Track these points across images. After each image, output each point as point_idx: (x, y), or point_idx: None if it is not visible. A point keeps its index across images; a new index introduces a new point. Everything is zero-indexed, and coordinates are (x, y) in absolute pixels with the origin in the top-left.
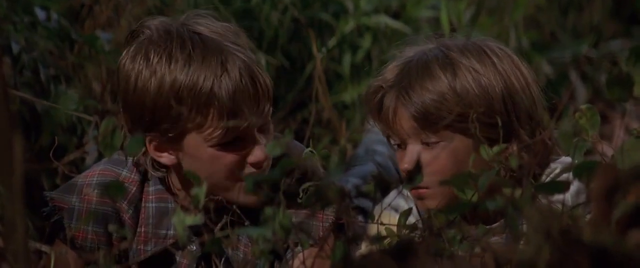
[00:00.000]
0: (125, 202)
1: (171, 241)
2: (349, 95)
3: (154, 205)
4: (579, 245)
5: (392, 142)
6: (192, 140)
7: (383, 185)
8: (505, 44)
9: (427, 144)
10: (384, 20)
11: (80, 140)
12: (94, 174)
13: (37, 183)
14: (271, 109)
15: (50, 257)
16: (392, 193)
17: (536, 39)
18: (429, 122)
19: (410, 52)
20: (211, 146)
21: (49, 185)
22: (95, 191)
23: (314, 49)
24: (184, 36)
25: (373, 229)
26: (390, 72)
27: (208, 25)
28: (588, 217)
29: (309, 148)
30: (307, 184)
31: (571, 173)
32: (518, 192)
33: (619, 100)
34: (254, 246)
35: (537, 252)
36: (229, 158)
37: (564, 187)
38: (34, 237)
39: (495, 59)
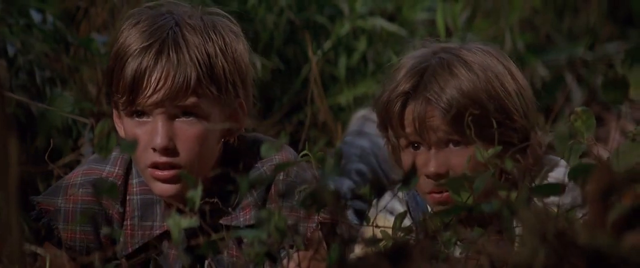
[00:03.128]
0: (112, 198)
1: (158, 232)
2: (345, 97)
3: (138, 197)
4: (575, 248)
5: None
6: (120, 109)
7: (378, 187)
8: (501, 47)
9: (456, 145)
10: (380, 22)
11: (76, 142)
12: (78, 174)
13: (33, 185)
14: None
15: (45, 259)
16: (387, 196)
17: (532, 42)
18: (461, 121)
19: (413, 59)
20: (126, 117)
21: (44, 188)
22: (81, 191)
23: (310, 52)
24: (162, 14)
25: (368, 232)
26: (405, 79)
27: (202, 16)
28: (583, 219)
29: (305, 151)
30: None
31: (566, 175)
32: (513, 195)
33: (615, 102)
34: (249, 248)
35: (533, 255)
36: (137, 135)
37: (560, 189)
38: (29, 240)
39: (503, 60)
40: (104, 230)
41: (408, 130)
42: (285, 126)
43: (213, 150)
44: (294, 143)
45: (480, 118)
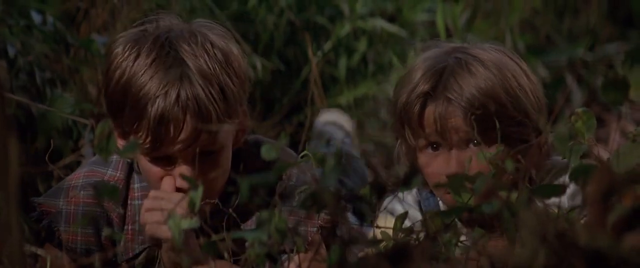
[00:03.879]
0: (113, 201)
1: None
2: (345, 98)
3: (139, 202)
4: (575, 249)
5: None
6: (127, 138)
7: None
8: None
9: (476, 145)
10: (380, 23)
11: (76, 143)
12: (79, 176)
13: (33, 186)
14: (221, 141)
15: (46, 260)
16: (388, 197)
17: (532, 42)
18: (482, 120)
19: (428, 60)
20: (144, 156)
21: (45, 189)
22: (82, 193)
23: (310, 53)
24: (165, 43)
25: (369, 233)
26: (424, 79)
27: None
28: (584, 220)
29: (305, 152)
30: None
31: (567, 176)
32: (514, 195)
33: (615, 103)
34: (250, 249)
35: (533, 256)
36: (156, 173)
37: (560, 190)
38: (29, 241)
39: (516, 59)
40: (105, 231)
41: (428, 130)
42: (285, 127)
43: (229, 165)
44: (294, 145)
45: (500, 117)
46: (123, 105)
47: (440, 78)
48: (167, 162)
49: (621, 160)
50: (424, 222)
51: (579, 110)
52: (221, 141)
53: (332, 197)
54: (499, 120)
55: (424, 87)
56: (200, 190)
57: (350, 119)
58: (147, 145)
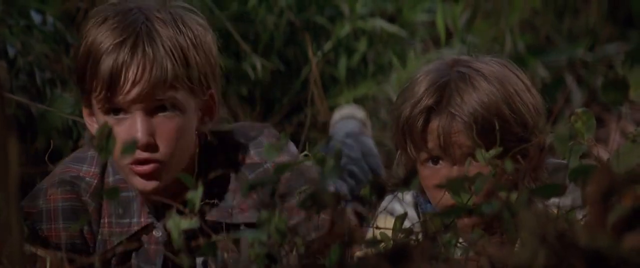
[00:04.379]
0: (88, 196)
1: (136, 228)
2: (345, 98)
3: None
4: (575, 249)
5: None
6: (95, 107)
7: (378, 189)
8: (501, 48)
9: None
10: (380, 23)
11: (76, 143)
12: (55, 175)
13: (33, 186)
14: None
15: (46, 260)
16: (388, 197)
17: (532, 43)
18: (485, 136)
19: (431, 73)
20: (104, 115)
21: None
22: (59, 189)
23: (310, 53)
24: (134, 9)
25: (368, 233)
26: (427, 94)
27: (169, 10)
28: (584, 220)
29: (305, 152)
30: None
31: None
32: (514, 196)
33: (615, 103)
34: (250, 249)
35: (533, 256)
36: (116, 132)
37: (560, 190)
38: (29, 241)
39: (519, 73)
40: (80, 223)
41: (431, 145)
42: (285, 127)
43: (190, 143)
44: (294, 144)
45: (502, 132)
46: (85, 65)
47: (444, 92)
48: (122, 124)
49: (621, 160)
50: (423, 222)
51: (579, 110)
52: (179, 100)
53: (332, 197)
54: (501, 135)
55: (427, 101)
56: (200, 190)
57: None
58: (102, 97)
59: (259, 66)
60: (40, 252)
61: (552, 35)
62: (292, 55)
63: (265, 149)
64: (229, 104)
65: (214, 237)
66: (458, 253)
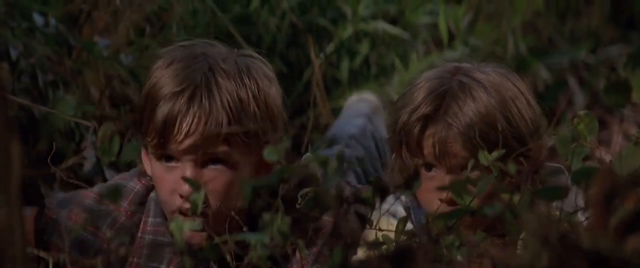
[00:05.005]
0: (110, 230)
1: None
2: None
3: (150, 236)
4: (577, 251)
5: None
6: (149, 151)
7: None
8: (503, 50)
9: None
10: (382, 26)
11: (78, 146)
12: (90, 196)
13: (35, 189)
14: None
15: (49, 262)
16: (390, 199)
17: (534, 45)
18: (481, 146)
19: (431, 81)
20: (155, 160)
21: (47, 192)
22: (84, 215)
23: (312, 55)
24: (199, 55)
25: (371, 235)
26: (426, 102)
27: (236, 59)
28: (586, 222)
29: (307, 154)
30: (306, 190)
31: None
32: (516, 198)
33: (617, 105)
34: (252, 252)
35: (535, 258)
36: (165, 179)
37: (562, 192)
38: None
39: (519, 84)
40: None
41: (426, 152)
42: (287, 129)
43: (239, 197)
44: (297, 147)
45: (496, 143)
46: (144, 107)
47: (442, 101)
48: (172, 172)
49: (623, 162)
50: (426, 224)
51: (581, 113)
52: (231, 156)
53: (335, 199)
54: (496, 147)
55: (425, 109)
56: (203, 192)
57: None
58: (155, 143)
59: None
60: (43, 254)
61: (555, 38)
62: (295, 57)
63: (266, 152)
64: None
65: (217, 239)
66: (460, 256)
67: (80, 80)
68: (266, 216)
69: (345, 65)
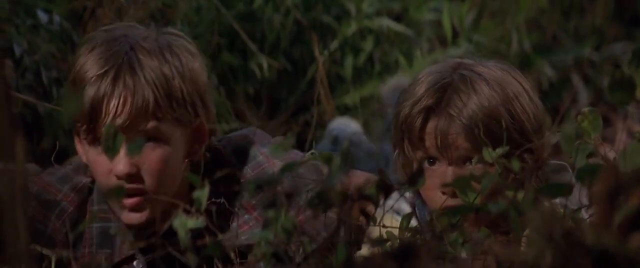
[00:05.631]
0: (59, 222)
1: (117, 260)
2: (351, 97)
3: (97, 224)
4: (581, 248)
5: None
6: (82, 136)
7: (385, 187)
8: (508, 47)
9: (471, 162)
10: (386, 23)
11: None
12: (42, 184)
13: None
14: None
15: (52, 260)
16: (395, 196)
17: (538, 42)
18: (484, 138)
19: (432, 75)
20: (88, 145)
21: None
22: (33, 203)
23: (316, 52)
24: (120, 37)
25: (375, 232)
26: (428, 94)
27: (157, 37)
28: (590, 220)
29: (311, 151)
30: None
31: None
32: (520, 195)
33: (622, 103)
34: (256, 248)
35: (539, 255)
36: (100, 163)
37: (567, 190)
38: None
39: (521, 80)
40: (48, 252)
41: (428, 144)
42: (291, 126)
43: (178, 172)
44: (301, 144)
45: (500, 137)
46: (70, 95)
47: (444, 94)
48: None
49: (628, 159)
50: (430, 221)
51: (586, 109)
52: (162, 131)
53: (339, 196)
54: (498, 140)
55: (427, 101)
56: (206, 189)
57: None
58: (84, 128)
59: (265, 65)
60: (46, 251)
61: (559, 35)
62: (299, 55)
63: (271, 149)
64: (235, 103)
65: (220, 236)
66: (464, 253)
67: None
68: (270, 213)
69: (349, 62)
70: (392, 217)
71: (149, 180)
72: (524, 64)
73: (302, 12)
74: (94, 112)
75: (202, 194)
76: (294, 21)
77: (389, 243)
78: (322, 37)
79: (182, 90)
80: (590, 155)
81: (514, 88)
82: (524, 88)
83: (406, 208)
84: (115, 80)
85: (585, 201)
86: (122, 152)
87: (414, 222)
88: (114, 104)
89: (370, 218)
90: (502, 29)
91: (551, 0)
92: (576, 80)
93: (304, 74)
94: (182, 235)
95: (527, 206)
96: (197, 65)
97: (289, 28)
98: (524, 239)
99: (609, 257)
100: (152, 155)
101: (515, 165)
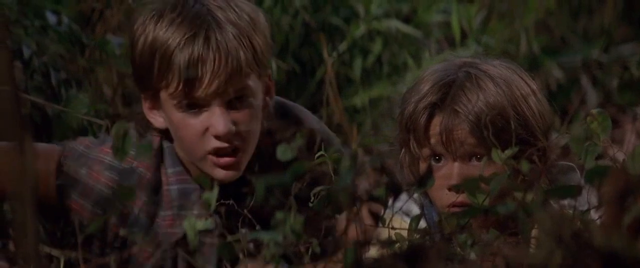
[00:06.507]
0: (138, 188)
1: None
2: (360, 99)
3: (175, 187)
4: (590, 249)
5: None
6: (165, 101)
7: (394, 188)
8: (516, 49)
9: (479, 159)
10: (395, 24)
11: None
12: (108, 152)
13: None
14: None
15: (61, 261)
16: (404, 198)
17: (547, 43)
18: (489, 135)
19: (438, 72)
20: (178, 110)
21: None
22: (106, 173)
23: (325, 53)
24: (188, 1)
25: (384, 233)
26: (432, 91)
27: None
28: (599, 221)
29: (320, 152)
30: (318, 188)
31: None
32: (529, 196)
33: (630, 104)
34: (265, 250)
35: (549, 256)
36: (192, 125)
37: (576, 191)
38: (44, 241)
39: (526, 78)
40: (124, 232)
41: (433, 141)
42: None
43: (259, 127)
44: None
45: (506, 134)
46: (151, 64)
47: (449, 90)
48: (198, 115)
49: (636, 161)
50: (439, 222)
51: (594, 111)
52: (252, 88)
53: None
54: (504, 137)
55: (432, 98)
56: (216, 190)
57: None
58: (179, 92)
59: (274, 67)
60: (55, 252)
61: (567, 36)
62: (307, 56)
63: (279, 151)
64: None
65: (230, 237)
66: (473, 254)
67: (93, 79)
68: (279, 214)
69: (357, 63)
70: (400, 218)
71: (243, 136)
72: (533, 65)
73: (311, 14)
74: (189, 74)
75: (212, 196)
76: (302, 23)
77: (397, 244)
78: (331, 39)
79: (259, 43)
80: (599, 157)
81: (520, 86)
82: (530, 87)
83: (416, 210)
84: (207, 41)
85: (594, 202)
86: (220, 112)
87: (422, 224)
88: (211, 66)
89: (379, 219)
90: (511, 30)
91: (559, 2)
92: (585, 81)
93: (312, 75)
94: (192, 237)
95: (536, 207)
96: (262, 17)
97: (297, 30)
98: (533, 240)
99: (618, 258)
100: (244, 113)
101: (525, 166)
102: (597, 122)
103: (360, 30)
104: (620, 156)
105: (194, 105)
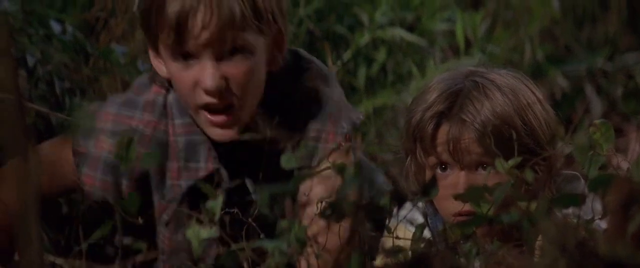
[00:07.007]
0: (140, 146)
1: (203, 174)
2: (364, 108)
3: (183, 138)
4: (595, 258)
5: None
6: (163, 51)
7: (398, 197)
8: (521, 57)
9: (485, 169)
10: (399, 33)
11: None
12: (108, 118)
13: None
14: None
15: None
16: (408, 206)
17: (551, 52)
18: (496, 145)
19: (445, 81)
20: (173, 60)
21: (64, 199)
22: (110, 140)
23: (329, 62)
24: None
25: (388, 242)
26: (440, 100)
27: None
28: (603, 230)
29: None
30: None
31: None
32: (533, 205)
33: (635, 113)
34: (269, 258)
35: (553, 265)
36: (184, 77)
37: (580, 200)
38: (48, 250)
39: (533, 88)
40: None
41: (440, 149)
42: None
43: (261, 84)
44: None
45: (512, 142)
46: (150, 11)
47: (456, 99)
48: (191, 68)
49: None
50: (443, 231)
51: (597, 121)
52: (249, 42)
53: (352, 206)
54: (511, 146)
55: (439, 106)
56: (220, 199)
57: None
58: (172, 42)
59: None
60: (59, 260)
61: (572, 45)
62: None
63: (283, 160)
64: None
65: (234, 246)
66: (478, 263)
67: (97, 87)
68: (283, 222)
69: (362, 72)
70: (405, 227)
71: (237, 93)
72: (537, 74)
73: (315, 23)
74: (180, 26)
75: (216, 205)
76: (307, 31)
77: (402, 254)
78: (335, 47)
79: (264, 3)
80: (602, 167)
81: (527, 95)
82: (536, 96)
83: (420, 219)
84: None
85: (598, 211)
86: (210, 65)
87: (427, 233)
88: (201, 16)
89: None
90: (515, 39)
91: (564, 10)
92: (589, 90)
93: None
94: (195, 246)
95: (540, 216)
96: None
97: (302, 38)
98: (537, 249)
99: (622, 266)
100: (238, 68)
101: (529, 175)
102: (600, 132)
103: (365, 38)
104: (625, 165)
105: (185, 55)
